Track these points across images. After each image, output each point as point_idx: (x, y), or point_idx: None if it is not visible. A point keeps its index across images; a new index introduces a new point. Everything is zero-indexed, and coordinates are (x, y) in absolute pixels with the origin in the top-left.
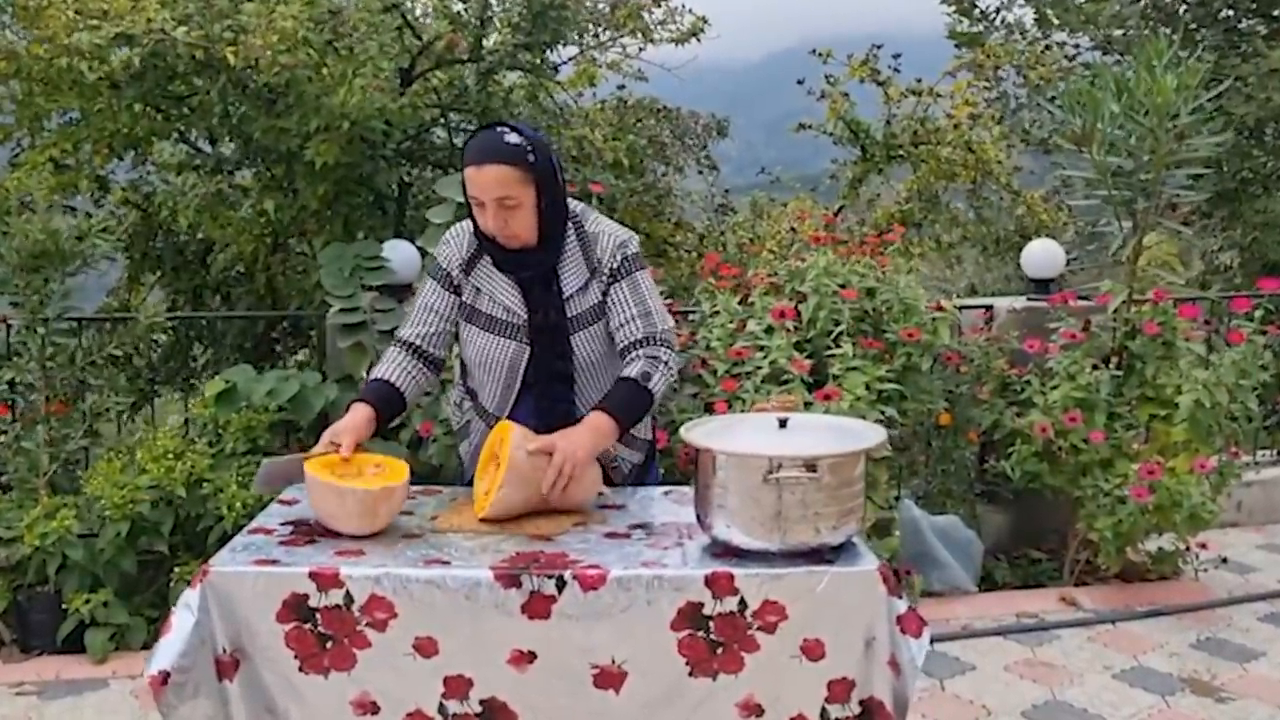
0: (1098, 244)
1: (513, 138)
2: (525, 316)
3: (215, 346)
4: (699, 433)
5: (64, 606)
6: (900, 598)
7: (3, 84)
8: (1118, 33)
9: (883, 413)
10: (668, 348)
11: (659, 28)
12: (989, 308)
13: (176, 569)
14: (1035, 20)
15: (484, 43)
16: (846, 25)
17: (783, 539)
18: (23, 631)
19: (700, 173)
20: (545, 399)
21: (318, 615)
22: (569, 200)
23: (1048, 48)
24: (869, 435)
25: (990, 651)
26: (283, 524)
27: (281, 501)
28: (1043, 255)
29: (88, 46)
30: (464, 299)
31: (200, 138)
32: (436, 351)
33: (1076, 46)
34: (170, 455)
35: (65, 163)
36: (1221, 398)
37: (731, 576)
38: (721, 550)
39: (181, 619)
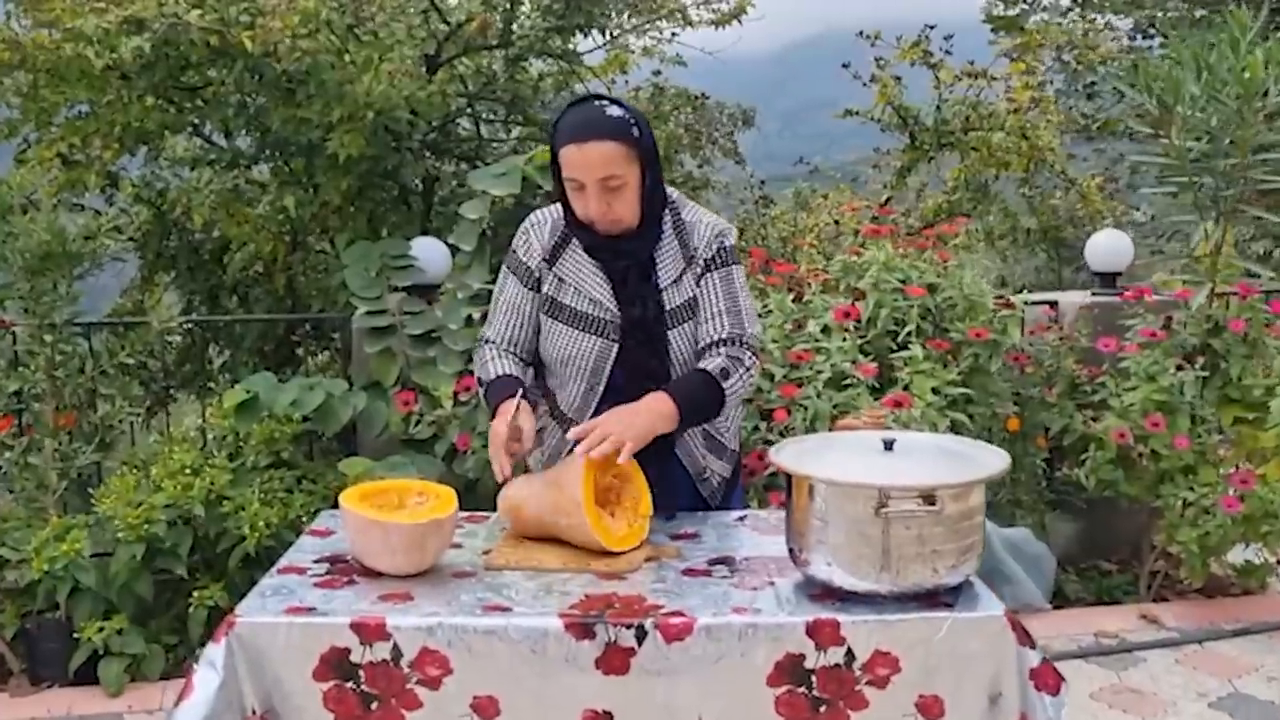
0: (1136, 232)
1: (615, 111)
2: (616, 310)
3: (233, 350)
4: (790, 454)
5: (75, 635)
6: (1033, 648)
7: (8, 75)
8: (1159, 14)
9: (952, 420)
10: (752, 352)
11: (700, 8)
12: (1053, 304)
13: (196, 593)
14: (1076, 2)
15: (513, 27)
16: (871, 16)
17: (894, 580)
18: (31, 662)
19: (738, 163)
20: (636, 401)
21: (361, 672)
22: (665, 186)
23: (1109, 26)
24: (989, 460)
25: (1072, 676)
26: (316, 561)
27: (314, 533)
28: (1109, 247)
29: (94, 32)
30: (545, 291)
31: (215, 131)
32: (528, 356)
33: (1115, 30)
34: (188, 471)
35: (74, 158)
36: None
37: (837, 624)
38: (821, 592)
39: (204, 678)
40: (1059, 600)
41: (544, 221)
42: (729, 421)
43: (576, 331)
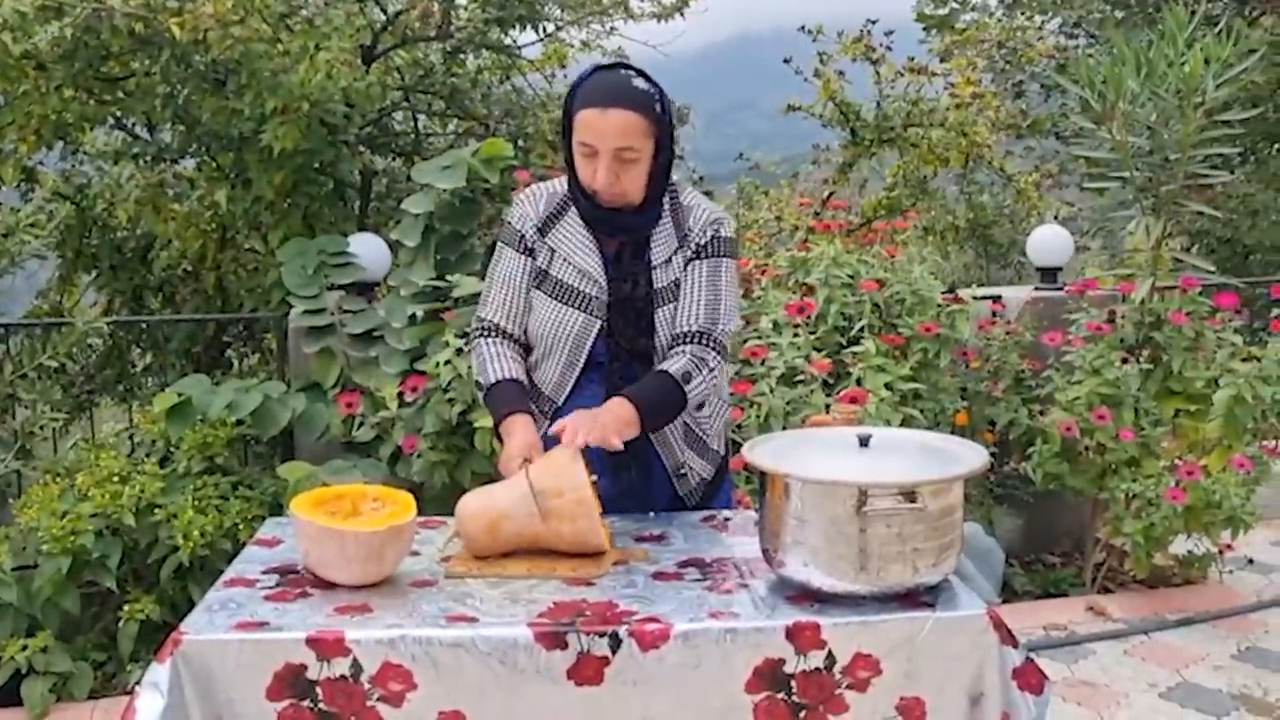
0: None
1: (641, 83)
2: (605, 285)
3: (158, 352)
4: (764, 452)
5: None
6: (1015, 646)
7: None
8: (1084, 14)
9: (904, 415)
10: (718, 352)
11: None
12: (997, 298)
13: (126, 606)
14: (1003, 3)
15: (453, 17)
16: (793, 18)
17: (873, 580)
18: None
19: (678, 159)
20: (620, 380)
21: (318, 690)
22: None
23: (1039, 27)
24: (968, 455)
25: None
26: (265, 572)
27: (261, 542)
28: (1050, 243)
29: (10, 17)
30: (537, 263)
31: (138, 123)
32: (522, 332)
33: (1040, 29)
34: (116, 479)
35: None
36: (1265, 392)
37: (817, 627)
38: (797, 593)
39: (148, 702)
40: (1006, 594)
41: (539, 194)
42: (712, 419)
43: (560, 305)
